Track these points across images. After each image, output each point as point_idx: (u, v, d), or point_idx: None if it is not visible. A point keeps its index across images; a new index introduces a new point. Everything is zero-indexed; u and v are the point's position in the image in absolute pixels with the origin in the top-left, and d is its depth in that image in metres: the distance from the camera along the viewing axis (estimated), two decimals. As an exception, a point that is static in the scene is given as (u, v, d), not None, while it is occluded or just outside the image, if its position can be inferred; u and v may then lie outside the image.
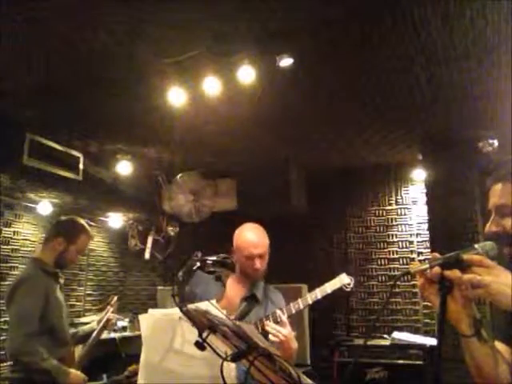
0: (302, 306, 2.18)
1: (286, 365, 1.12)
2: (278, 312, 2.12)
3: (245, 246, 2.24)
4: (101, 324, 2.96)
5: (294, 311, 2.17)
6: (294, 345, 2.09)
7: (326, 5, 2.38)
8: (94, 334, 2.93)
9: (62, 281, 2.91)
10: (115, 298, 3.14)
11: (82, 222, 2.96)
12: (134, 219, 5.76)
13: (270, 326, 2.06)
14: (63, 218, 3.01)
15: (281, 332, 2.03)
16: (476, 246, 1.17)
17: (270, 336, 2.04)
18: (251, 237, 2.27)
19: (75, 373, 2.67)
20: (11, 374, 2.66)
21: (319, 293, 2.19)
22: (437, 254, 1.19)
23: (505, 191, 1.25)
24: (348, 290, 2.21)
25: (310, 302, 2.19)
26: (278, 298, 2.33)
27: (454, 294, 1.17)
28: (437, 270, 1.15)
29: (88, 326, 3.10)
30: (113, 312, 3.03)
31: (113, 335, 5.06)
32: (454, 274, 1.14)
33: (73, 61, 2.88)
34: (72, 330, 2.99)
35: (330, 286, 2.21)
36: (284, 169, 4.95)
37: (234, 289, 2.28)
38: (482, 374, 1.20)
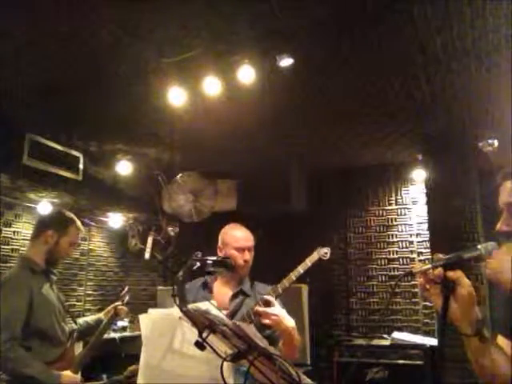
0: (287, 285, 2.22)
1: (286, 365, 1.12)
2: (266, 296, 2.15)
3: (235, 239, 2.35)
4: (109, 314, 2.85)
5: (280, 291, 2.21)
6: (290, 323, 2.10)
7: (326, 5, 2.38)
8: (101, 327, 2.81)
9: (54, 278, 2.77)
10: (126, 288, 3.03)
11: (70, 213, 2.84)
12: (134, 219, 5.76)
13: (259, 309, 2.10)
14: (49, 211, 2.92)
15: (270, 312, 2.07)
16: (479, 246, 1.18)
17: (262, 320, 2.08)
18: (240, 231, 2.40)
19: (67, 375, 2.55)
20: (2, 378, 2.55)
21: (301, 268, 2.27)
22: (440, 255, 1.19)
23: None
24: (326, 258, 2.29)
25: (294, 279, 2.25)
26: (266, 289, 2.35)
27: (457, 295, 1.17)
28: (439, 270, 1.15)
29: (95, 316, 2.98)
30: (122, 304, 2.92)
31: (113, 335, 5.07)
32: (456, 274, 1.15)
33: (73, 61, 2.88)
34: (73, 327, 2.84)
35: (309, 260, 2.28)
36: (284, 169, 4.94)
37: (221, 291, 2.33)
38: (483, 372, 1.21)
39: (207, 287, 2.34)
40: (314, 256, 2.31)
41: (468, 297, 1.18)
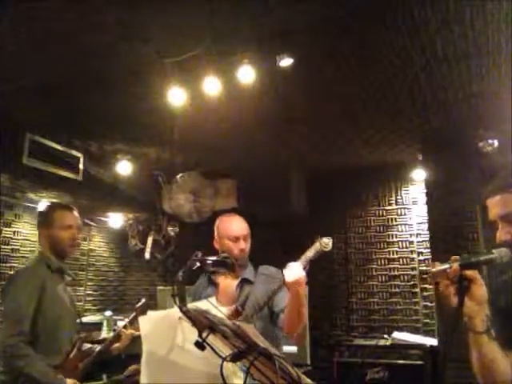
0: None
1: (286, 365, 1.12)
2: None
3: (229, 229, 2.36)
4: (109, 338, 2.85)
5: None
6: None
7: (326, 5, 2.38)
8: (103, 346, 2.78)
9: (69, 278, 2.73)
10: (143, 300, 2.92)
11: (54, 203, 2.85)
12: (134, 219, 5.75)
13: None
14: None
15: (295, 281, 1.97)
16: (494, 251, 1.26)
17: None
18: (234, 221, 2.41)
19: (71, 382, 2.42)
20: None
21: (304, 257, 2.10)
22: (456, 257, 1.26)
23: (507, 201, 1.34)
24: (327, 249, 2.09)
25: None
26: (270, 270, 2.34)
27: (472, 293, 1.24)
28: (457, 267, 1.23)
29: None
30: (133, 320, 2.84)
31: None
32: (474, 273, 1.23)
33: (73, 61, 2.88)
34: (79, 336, 2.71)
35: (311, 250, 2.11)
36: (284, 169, 4.95)
37: (226, 283, 2.35)
38: (488, 369, 1.24)
39: (212, 283, 2.36)
40: (316, 246, 2.10)
41: (482, 294, 1.24)
